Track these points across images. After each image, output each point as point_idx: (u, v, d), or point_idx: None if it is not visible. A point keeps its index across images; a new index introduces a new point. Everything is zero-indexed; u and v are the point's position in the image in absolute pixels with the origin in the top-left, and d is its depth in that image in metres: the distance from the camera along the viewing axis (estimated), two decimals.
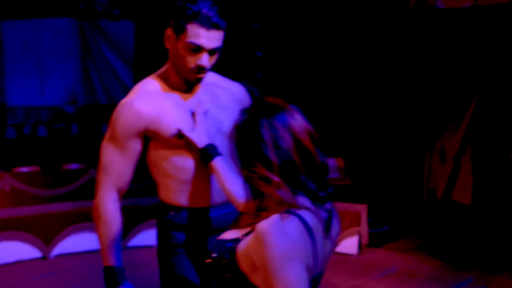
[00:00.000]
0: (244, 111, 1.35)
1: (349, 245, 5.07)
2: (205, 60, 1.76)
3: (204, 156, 1.80)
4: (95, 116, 8.91)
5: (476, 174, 6.26)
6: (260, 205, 1.32)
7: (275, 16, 7.84)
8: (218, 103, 1.91)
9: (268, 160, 1.26)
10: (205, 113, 1.86)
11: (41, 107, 8.80)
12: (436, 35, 6.34)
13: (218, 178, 1.77)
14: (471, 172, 6.28)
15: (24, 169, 6.38)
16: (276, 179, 1.26)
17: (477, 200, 6.24)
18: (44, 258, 4.98)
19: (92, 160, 7.11)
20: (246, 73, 8.81)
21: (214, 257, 1.31)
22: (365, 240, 5.10)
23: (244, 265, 1.26)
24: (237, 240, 1.29)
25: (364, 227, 5.09)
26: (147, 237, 5.26)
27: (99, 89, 9.22)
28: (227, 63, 8.98)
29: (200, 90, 1.91)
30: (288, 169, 1.27)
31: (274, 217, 1.23)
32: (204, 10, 1.73)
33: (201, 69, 1.78)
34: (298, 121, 1.30)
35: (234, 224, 1.43)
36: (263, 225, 1.22)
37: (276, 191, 1.26)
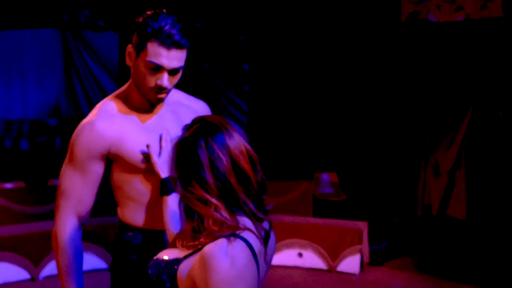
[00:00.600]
0: (184, 129, 1.34)
1: (351, 264, 4.96)
2: (165, 80, 1.67)
3: (162, 187, 1.73)
4: None
5: (471, 188, 6.24)
6: (197, 226, 1.29)
7: (262, 28, 7.77)
8: (180, 123, 1.75)
9: (205, 181, 1.26)
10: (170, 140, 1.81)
11: (23, 120, 8.53)
12: (428, 49, 6.33)
13: (164, 212, 1.72)
14: (466, 186, 6.26)
15: (8, 185, 6.12)
16: (213, 200, 1.26)
17: (472, 215, 6.22)
18: (32, 279, 4.74)
19: None
20: (233, 86, 8.71)
21: (151, 276, 1.30)
22: (366, 259, 4.99)
23: (184, 287, 1.25)
24: (177, 261, 1.27)
25: (365, 245, 4.98)
26: None
27: (83, 102, 8.99)
28: (212, 75, 8.88)
29: (163, 109, 1.83)
30: (225, 190, 1.27)
31: (222, 241, 1.22)
32: (166, 28, 1.62)
33: (161, 89, 1.69)
34: (235, 141, 1.29)
35: (171, 243, 1.39)
36: (211, 249, 1.21)
37: (214, 213, 1.25)
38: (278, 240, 5.11)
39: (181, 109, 1.87)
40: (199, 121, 1.34)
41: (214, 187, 1.26)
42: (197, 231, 1.30)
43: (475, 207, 6.20)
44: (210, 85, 8.90)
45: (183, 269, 1.26)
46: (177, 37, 1.63)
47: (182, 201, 1.33)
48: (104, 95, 9.19)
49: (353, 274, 4.93)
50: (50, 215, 5.75)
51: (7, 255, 4.65)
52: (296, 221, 5.25)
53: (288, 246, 5.15)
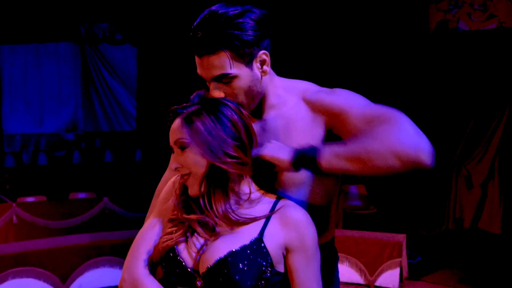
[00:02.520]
0: (193, 103, 1.31)
1: (390, 278, 4.76)
2: (213, 91, 1.39)
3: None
4: (96, 143, 8.53)
5: (505, 201, 6.06)
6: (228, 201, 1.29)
7: (288, 39, 7.67)
8: (285, 131, 1.51)
9: (243, 141, 1.28)
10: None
11: (40, 134, 8.41)
12: (459, 58, 6.20)
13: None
14: (500, 199, 6.07)
15: (30, 199, 5.97)
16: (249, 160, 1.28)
17: (506, 229, 6.03)
18: None
19: (101, 189, 6.82)
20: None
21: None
22: (405, 273, 4.80)
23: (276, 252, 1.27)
24: (259, 240, 1.26)
25: (404, 259, 4.79)
26: None
27: (101, 116, 8.89)
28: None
29: (271, 115, 1.49)
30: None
31: (288, 201, 1.31)
32: (191, 34, 1.38)
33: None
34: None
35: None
36: (302, 213, 1.28)
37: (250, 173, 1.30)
38: None
39: (282, 119, 1.50)
40: (201, 99, 1.33)
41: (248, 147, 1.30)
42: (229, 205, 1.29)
43: (510, 220, 6.02)
44: None
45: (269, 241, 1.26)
46: (201, 42, 1.35)
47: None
48: (121, 109, 9.09)
49: None
50: (74, 229, 5.62)
51: (34, 271, 4.49)
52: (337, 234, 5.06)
53: None
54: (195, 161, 1.28)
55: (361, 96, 1.41)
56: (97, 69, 8.83)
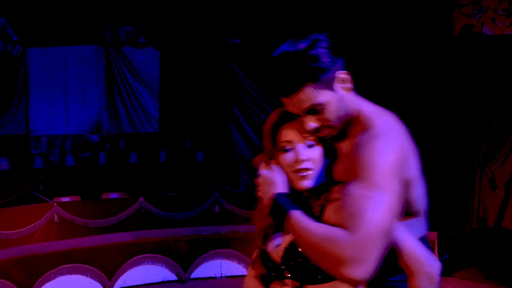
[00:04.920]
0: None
1: None
2: (308, 125, 1.45)
3: None
4: (120, 145, 8.69)
5: None
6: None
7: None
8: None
9: None
10: None
11: (66, 136, 8.58)
12: (484, 62, 6.36)
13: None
14: None
15: (65, 199, 6.13)
16: None
17: None
18: None
19: (131, 189, 6.97)
20: (272, 100, 8.77)
21: None
22: None
23: None
24: None
25: (436, 256, 4.95)
26: (211, 268, 5.07)
27: (124, 118, 9.05)
28: (246, 85, 8.95)
29: (350, 140, 1.50)
30: None
31: None
32: (270, 78, 1.45)
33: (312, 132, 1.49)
34: None
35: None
36: None
37: None
38: None
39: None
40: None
41: None
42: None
43: None
44: (248, 101, 9.00)
45: None
46: (284, 84, 1.42)
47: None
48: (144, 111, 9.25)
49: None
50: (112, 228, 5.77)
51: (82, 267, 4.66)
52: None
53: None
54: (320, 158, 1.49)
55: (392, 181, 1.31)
56: (120, 72, 8.99)
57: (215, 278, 5.11)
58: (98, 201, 6.18)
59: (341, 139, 1.51)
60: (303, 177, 1.47)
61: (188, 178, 7.51)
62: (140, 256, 4.91)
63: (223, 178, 7.63)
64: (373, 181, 1.29)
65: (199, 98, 9.01)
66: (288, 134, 1.49)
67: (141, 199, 5.89)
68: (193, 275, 5.03)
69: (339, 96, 1.45)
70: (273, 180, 1.48)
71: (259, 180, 1.52)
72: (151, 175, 7.76)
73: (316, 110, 1.44)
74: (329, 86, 1.44)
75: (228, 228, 5.33)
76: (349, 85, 1.47)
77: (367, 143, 1.37)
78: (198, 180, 7.33)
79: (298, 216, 1.37)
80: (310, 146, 1.49)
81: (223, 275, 5.13)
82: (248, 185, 7.91)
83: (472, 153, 6.53)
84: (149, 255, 4.94)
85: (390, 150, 1.35)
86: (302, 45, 1.43)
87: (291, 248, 1.45)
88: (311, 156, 1.47)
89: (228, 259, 5.11)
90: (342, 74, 1.45)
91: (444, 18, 6.55)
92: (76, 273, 4.62)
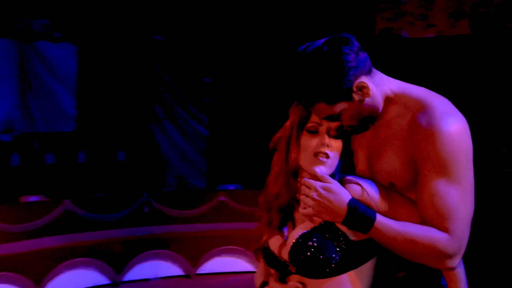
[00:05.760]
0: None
1: None
2: (326, 127, 1.52)
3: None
4: (35, 145, 8.20)
5: None
6: None
7: (223, 41, 7.88)
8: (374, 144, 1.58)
9: None
10: None
11: None
12: (402, 63, 6.71)
13: None
14: None
15: None
16: None
17: None
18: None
19: (51, 192, 6.59)
20: (194, 99, 8.71)
21: None
22: None
23: None
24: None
25: None
26: (145, 269, 4.95)
27: (38, 116, 8.55)
28: (173, 88, 8.84)
29: (383, 121, 1.55)
30: None
31: None
32: (288, 79, 1.51)
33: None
34: None
35: None
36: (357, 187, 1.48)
37: None
38: None
39: (402, 128, 1.50)
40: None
41: None
42: None
43: None
44: (170, 99, 8.86)
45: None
46: (300, 95, 1.48)
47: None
48: (60, 109, 8.81)
49: None
50: (35, 233, 5.41)
51: (7, 276, 4.36)
52: None
53: None
54: (338, 152, 1.51)
55: (468, 168, 1.37)
56: (34, 68, 8.49)
57: (148, 280, 5.00)
58: (16, 205, 5.80)
59: (366, 128, 1.53)
60: (321, 162, 1.48)
61: (112, 178, 7.27)
62: (71, 260, 4.69)
63: (149, 178, 7.46)
64: (454, 174, 1.33)
65: (119, 96, 8.73)
66: (317, 118, 1.51)
67: (67, 201, 5.61)
68: (126, 278, 4.88)
69: (357, 103, 1.45)
70: (336, 188, 1.42)
71: (315, 195, 1.41)
72: (71, 176, 7.42)
73: (333, 117, 1.47)
74: (346, 98, 1.44)
75: (162, 229, 5.23)
76: (369, 91, 1.45)
77: (432, 126, 1.36)
78: (124, 180, 7.12)
79: (384, 221, 1.37)
80: (334, 136, 1.50)
81: (157, 277, 5.02)
82: (174, 185, 7.80)
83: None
84: (80, 259, 4.73)
85: (464, 133, 1.37)
86: (320, 57, 1.40)
87: (301, 242, 1.47)
88: (332, 145, 1.48)
89: (163, 260, 5.02)
90: (360, 83, 1.44)
91: (367, 21, 6.84)
92: (1, 282, 4.32)
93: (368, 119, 1.51)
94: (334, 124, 1.51)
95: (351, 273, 1.46)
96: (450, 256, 1.35)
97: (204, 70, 8.58)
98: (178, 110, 8.81)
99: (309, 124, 1.52)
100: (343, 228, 1.46)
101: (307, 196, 1.42)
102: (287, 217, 1.59)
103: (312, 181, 1.44)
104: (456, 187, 1.33)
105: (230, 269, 5.13)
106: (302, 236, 1.48)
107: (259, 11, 7.24)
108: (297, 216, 1.58)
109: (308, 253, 1.44)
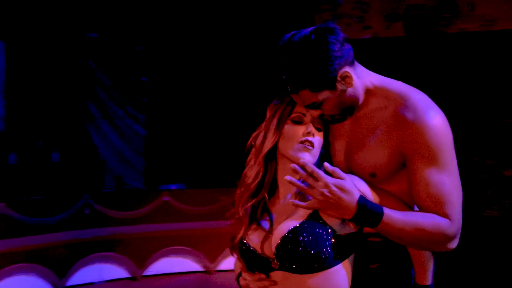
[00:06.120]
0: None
1: None
2: (310, 111, 1.58)
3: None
4: None
5: None
6: None
7: (159, 39, 7.79)
8: (353, 137, 1.65)
9: None
10: None
11: None
12: None
13: None
14: None
15: None
16: None
17: None
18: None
19: None
20: (130, 98, 8.54)
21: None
22: None
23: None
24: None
25: None
26: (90, 273, 4.80)
27: None
28: (109, 87, 8.62)
29: (361, 113, 1.63)
30: None
31: None
32: (275, 67, 1.56)
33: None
34: None
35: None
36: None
37: None
38: (227, 244, 5.22)
39: (384, 120, 1.57)
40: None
41: None
42: None
43: None
44: (106, 98, 8.63)
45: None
46: (286, 83, 1.52)
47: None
48: None
49: None
50: None
51: None
52: None
53: None
54: (321, 143, 1.58)
55: (453, 156, 1.47)
56: None
57: (92, 284, 4.85)
58: None
59: (344, 118, 1.59)
60: (307, 150, 1.51)
61: (46, 180, 6.98)
62: (10, 267, 4.47)
63: (86, 179, 7.23)
64: (443, 163, 1.43)
65: (51, 95, 8.40)
66: (302, 108, 1.56)
67: (1, 205, 5.33)
68: (70, 283, 4.72)
69: (340, 92, 1.52)
70: (348, 186, 1.43)
71: (326, 191, 1.41)
72: (2, 179, 7.06)
73: (316, 105, 1.52)
74: (330, 87, 1.50)
75: (106, 231, 5.09)
76: (352, 81, 1.53)
77: (418, 120, 1.44)
78: (59, 182, 6.85)
79: (391, 214, 1.43)
80: (317, 128, 1.54)
81: (102, 280, 4.89)
82: (112, 186, 7.60)
83: None
84: (20, 265, 4.51)
85: (446, 125, 1.47)
86: (306, 45, 1.44)
87: (291, 237, 1.46)
88: (316, 135, 1.52)
89: (108, 263, 4.89)
90: (344, 73, 1.50)
91: (305, 22, 6.98)
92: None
93: (348, 109, 1.56)
94: (316, 113, 1.54)
95: (337, 267, 1.48)
96: (452, 239, 1.45)
97: (141, 69, 8.43)
98: (114, 109, 8.59)
99: (294, 114, 1.56)
100: (330, 222, 1.47)
101: (314, 188, 1.42)
102: (263, 211, 1.58)
103: (323, 175, 1.43)
104: (446, 174, 1.43)
105: (177, 270, 5.08)
106: (292, 230, 1.46)
107: (195, 8, 7.21)
108: (274, 209, 1.58)
109: (300, 248, 1.44)
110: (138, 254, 4.93)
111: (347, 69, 1.51)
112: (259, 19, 7.04)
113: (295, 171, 1.45)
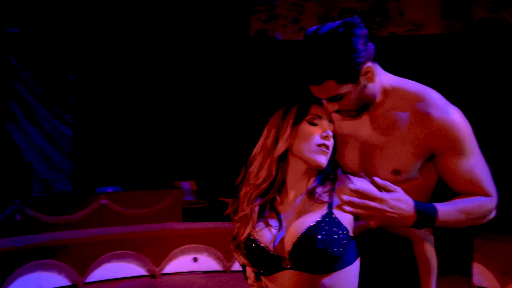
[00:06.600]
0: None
1: None
2: (328, 106, 1.60)
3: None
4: None
5: None
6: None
7: (85, 35, 7.53)
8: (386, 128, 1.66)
9: None
10: None
11: None
12: (275, 64, 7.01)
13: None
14: None
15: None
16: None
17: None
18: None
19: None
20: (56, 98, 8.17)
21: None
22: None
23: None
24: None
25: None
26: (28, 282, 4.55)
27: None
28: (32, 86, 8.20)
29: (378, 112, 1.66)
30: None
31: None
32: (298, 61, 1.55)
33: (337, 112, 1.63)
34: None
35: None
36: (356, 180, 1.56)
37: None
38: (173, 247, 5.14)
39: (403, 118, 1.61)
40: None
41: None
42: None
43: None
44: (29, 97, 8.19)
45: None
46: (308, 74, 1.52)
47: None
48: None
49: None
50: None
51: None
52: (190, 227, 5.33)
53: (183, 252, 5.20)
54: (332, 146, 1.59)
55: (475, 142, 1.61)
56: None
57: None
58: None
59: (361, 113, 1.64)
60: (325, 153, 1.52)
61: None
62: None
63: (12, 183, 6.81)
64: (471, 151, 1.58)
65: None
66: (318, 110, 1.55)
67: None
68: None
69: (361, 87, 1.55)
70: (403, 196, 1.49)
71: (387, 207, 1.47)
72: None
73: (337, 99, 1.55)
74: (353, 81, 1.53)
75: (44, 237, 4.84)
76: (373, 77, 1.57)
77: (443, 117, 1.56)
78: None
79: (443, 209, 1.53)
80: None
81: None
82: (40, 189, 7.22)
83: None
84: None
85: (464, 117, 1.59)
86: (331, 39, 1.47)
87: (310, 235, 1.43)
88: (331, 139, 1.55)
89: (47, 271, 4.65)
90: (367, 68, 1.54)
91: (241, 22, 7.01)
92: None
93: (365, 106, 1.60)
94: (333, 108, 1.57)
95: (347, 268, 1.47)
96: (493, 210, 1.64)
97: (67, 66, 8.07)
98: (38, 109, 8.16)
99: (310, 116, 1.54)
100: (344, 222, 1.47)
101: (376, 208, 1.46)
102: (270, 209, 1.55)
103: (379, 194, 1.46)
104: (476, 159, 1.59)
105: (121, 275, 4.93)
106: (310, 228, 1.44)
107: (123, 5, 7.03)
108: (281, 208, 1.55)
109: (320, 246, 1.41)
110: (79, 261, 4.72)
111: (369, 64, 1.54)
112: (194, 18, 6.98)
113: (349, 203, 1.47)
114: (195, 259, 5.20)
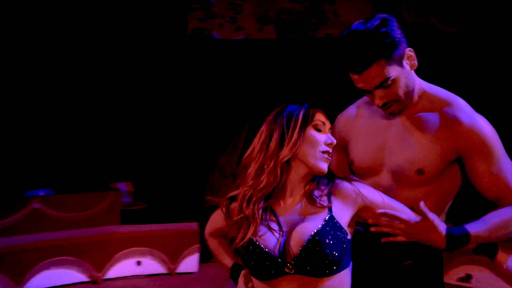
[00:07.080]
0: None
1: (190, 263, 5.19)
2: (377, 100, 1.65)
3: None
4: None
5: None
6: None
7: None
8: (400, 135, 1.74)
9: None
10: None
11: None
12: (213, 63, 6.98)
13: None
14: None
15: None
16: None
17: None
18: None
19: None
20: None
21: None
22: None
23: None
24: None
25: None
26: None
27: None
28: None
29: (408, 115, 1.72)
30: None
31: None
32: (340, 56, 1.62)
33: (381, 107, 1.68)
34: None
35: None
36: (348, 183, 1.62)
37: None
38: (115, 251, 4.97)
39: (432, 120, 1.68)
40: None
41: None
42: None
43: None
44: None
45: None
46: (356, 60, 1.56)
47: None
48: None
49: (193, 273, 5.19)
50: None
51: None
52: (133, 230, 5.18)
53: (126, 256, 5.05)
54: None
55: (502, 147, 1.66)
56: None
57: None
58: None
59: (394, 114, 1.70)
60: (327, 160, 1.55)
61: None
62: None
63: None
64: (498, 154, 1.63)
65: None
66: (322, 116, 1.58)
67: None
68: None
69: (406, 72, 1.62)
70: (430, 225, 1.55)
71: (411, 232, 1.56)
72: None
73: (385, 85, 1.58)
74: (399, 63, 1.60)
75: None
76: (415, 62, 1.64)
77: (472, 122, 1.63)
78: None
79: (476, 229, 1.57)
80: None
81: None
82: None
83: (205, 147, 7.08)
84: None
85: (489, 124, 1.66)
86: (373, 24, 1.55)
87: (317, 240, 1.45)
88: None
89: None
90: (409, 52, 1.62)
91: (178, 20, 6.90)
92: None
93: (407, 95, 1.65)
94: (380, 97, 1.61)
95: (345, 271, 1.50)
96: None
97: None
98: None
99: (315, 122, 1.56)
100: (345, 226, 1.51)
101: (397, 228, 1.56)
102: (270, 212, 1.55)
103: (406, 218, 1.55)
104: (503, 163, 1.63)
105: (61, 282, 4.70)
106: (317, 233, 1.45)
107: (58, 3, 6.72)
108: (279, 211, 1.55)
109: (328, 250, 1.43)
110: (14, 269, 4.45)
111: (410, 49, 1.64)
112: (130, 16, 6.78)
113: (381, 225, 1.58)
114: (138, 263, 5.07)
